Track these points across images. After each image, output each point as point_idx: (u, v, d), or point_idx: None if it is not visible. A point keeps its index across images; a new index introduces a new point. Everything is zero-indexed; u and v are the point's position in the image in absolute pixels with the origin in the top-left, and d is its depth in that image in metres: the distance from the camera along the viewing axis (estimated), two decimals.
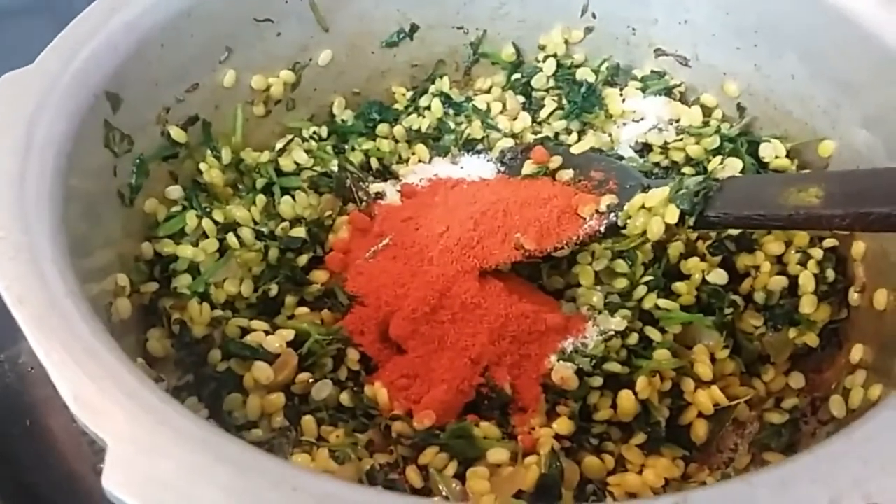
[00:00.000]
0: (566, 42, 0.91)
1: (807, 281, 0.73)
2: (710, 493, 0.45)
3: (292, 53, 0.85)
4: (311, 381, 0.68)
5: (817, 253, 0.74)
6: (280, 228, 0.78)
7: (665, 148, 0.84)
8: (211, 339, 0.69)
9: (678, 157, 0.84)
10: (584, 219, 0.71)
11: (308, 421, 0.66)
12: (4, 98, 0.61)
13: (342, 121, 0.90)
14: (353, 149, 0.88)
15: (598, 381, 0.67)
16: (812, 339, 0.73)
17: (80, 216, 0.61)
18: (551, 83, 0.90)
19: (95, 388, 0.44)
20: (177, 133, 0.76)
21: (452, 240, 0.72)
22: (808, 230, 0.72)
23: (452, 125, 0.89)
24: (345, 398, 0.68)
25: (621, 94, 0.88)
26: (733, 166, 0.78)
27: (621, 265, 0.74)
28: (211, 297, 0.72)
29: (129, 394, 0.44)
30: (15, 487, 0.57)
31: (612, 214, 0.71)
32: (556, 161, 0.79)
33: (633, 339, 0.70)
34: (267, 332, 0.69)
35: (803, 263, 0.74)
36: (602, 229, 0.70)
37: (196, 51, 0.77)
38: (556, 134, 0.87)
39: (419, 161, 0.87)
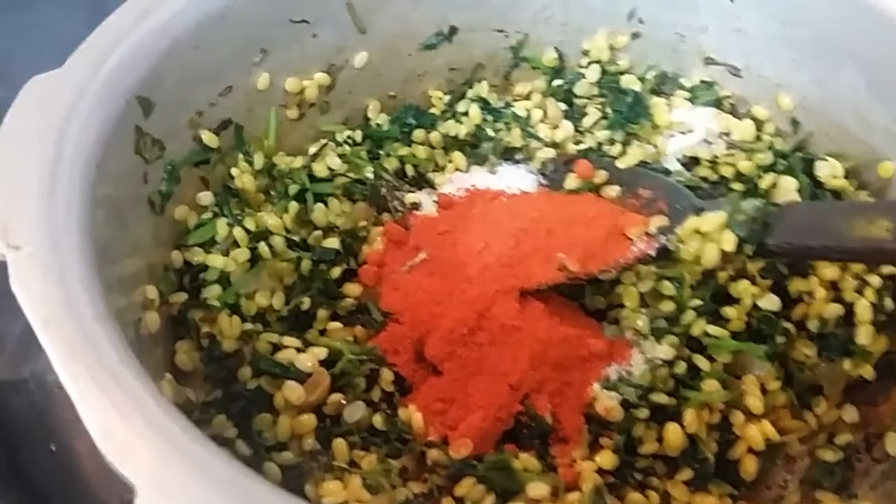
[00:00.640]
0: (611, 48, 0.88)
1: (864, 310, 0.69)
2: None
3: (328, 55, 0.82)
4: (343, 401, 0.65)
5: (875, 280, 0.70)
6: (313, 237, 0.75)
7: (714, 162, 0.81)
8: (241, 354, 0.67)
9: (728, 172, 0.80)
10: (632, 240, 0.68)
11: (340, 444, 0.63)
12: (33, 103, 0.58)
13: (377, 125, 0.87)
14: (388, 155, 0.85)
15: (644, 412, 0.64)
16: (868, 372, 0.69)
17: (109, 225, 0.58)
18: (595, 90, 0.87)
19: (122, 422, 0.41)
20: (209, 138, 0.73)
21: (492, 257, 0.69)
22: (875, 265, 0.68)
23: (491, 132, 0.86)
24: (378, 421, 0.65)
25: (668, 104, 0.84)
26: (787, 186, 0.74)
27: (668, 287, 0.70)
28: (241, 308, 0.70)
29: (157, 428, 0.42)
30: None
31: (663, 237, 0.67)
32: (601, 176, 0.75)
33: (681, 368, 0.67)
34: (299, 350, 0.66)
35: (860, 291, 0.70)
36: (652, 253, 0.67)
37: (230, 53, 0.74)
38: (599, 144, 0.84)
39: (456, 169, 0.84)
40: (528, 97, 0.90)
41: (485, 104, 0.87)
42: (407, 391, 0.68)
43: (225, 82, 0.75)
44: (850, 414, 0.70)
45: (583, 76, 0.87)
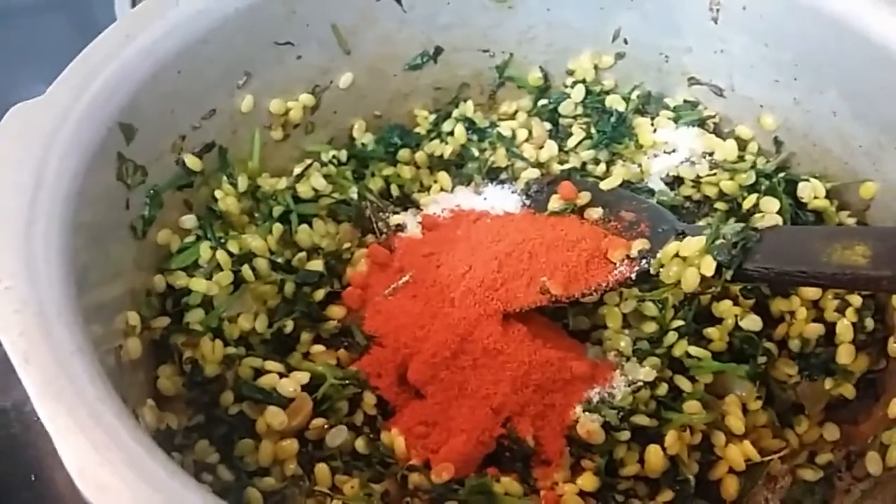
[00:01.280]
0: (596, 67, 0.88)
1: (845, 329, 0.70)
2: None
3: (312, 76, 0.83)
4: (325, 426, 0.65)
5: (856, 300, 0.71)
6: (297, 259, 0.76)
7: (697, 182, 0.81)
8: (223, 379, 0.67)
9: (711, 191, 0.80)
10: (615, 264, 0.68)
11: (322, 469, 0.64)
12: (14, 132, 0.59)
13: (362, 144, 0.87)
14: (372, 175, 0.86)
15: (625, 435, 0.64)
16: (849, 391, 0.70)
17: (89, 252, 0.58)
18: (579, 110, 0.87)
19: (101, 460, 0.42)
20: (192, 161, 0.74)
21: (475, 281, 0.69)
22: (852, 290, 0.69)
23: (476, 152, 0.86)
24: (360, 445, 0.66)
25: (652, 124, 0.85)
26: (769, 206, 0.74)
27: (650, 308, 0.71)
28: (224, 332, 0.70)
29: (135, 467, 0.42)
30: None
31: (644, 261, 0.68)
32: (584, 198, 0.76)
33: (663, 389, 0.67)
34: (281, 375, 0.66)
35: (841, 311, 0.71)
36: (633, 276, 0.67)
37: (214, 76, 0.74)
38: (584, 164, 0.84)
39: (441, 189, 0.84)
40: (513, 116, 0.90)
41: (470, 124, 0.88)
42: (390, 414, 0.68)
43: (208, 105, 0.75)
44: (832, 432, 0.70)
45: (568, 96, 0.87)
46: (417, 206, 0.83)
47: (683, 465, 0.64)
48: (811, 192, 0.76)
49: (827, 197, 0.76)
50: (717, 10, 0.80)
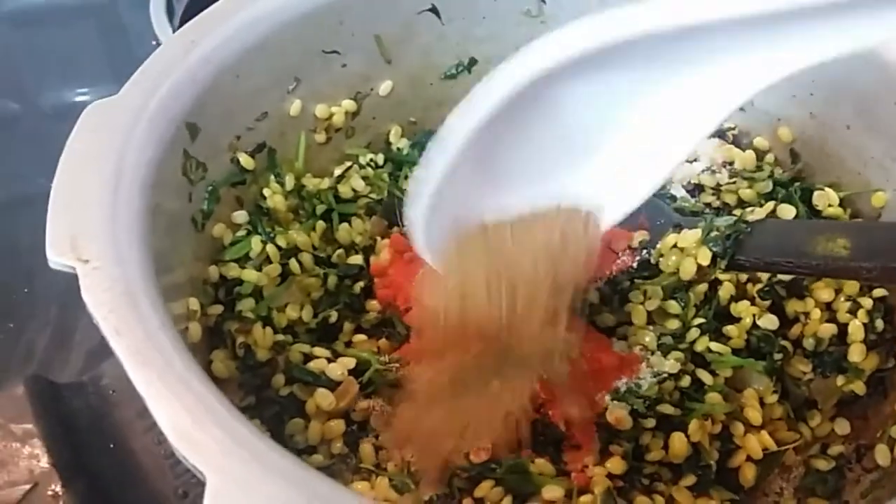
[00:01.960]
0: None
1: (856, 330, 0.74)
2: None
3: (355, 83, 0.88)
4: (370, 408, 0.70)
5: (867, 302, 0.75)
6: (336, 255, 0.80)
7: (717, 189, 0.86)
8: (274, 363, 0.71)
9: (730, 199, 0.85)
10: (617, 254, 0.73)
11: (367, 448, 0.68)
12: (93, 127, 0.63)
13: (398, 149, 0.92)
14: (405, 177, 0.90)
15: (651, 422, 0.69)
16: (860, 387, 0.74)
17: (163, 242, 0.63)
18: None
19: (191, 420, 0.46)
20: (245, 160, 0.78)
21: None
22: (837, 279, 0.74)
23: None
24: None
25: None
26: (786, 214, 0.79)
27: (674, 306, 0.75)
28: (273, 321, 0.74)
29: (222, 426, 0.46)
30: None
31: (645, 251, 0.73)
32: None
33: (686, 381, 0.71)
34: (329, 360, 0.71)
35: (853, 312, 0.75)
36: (634, 265, 0.73)
37: (267, 81, 0.79)
38: None
39: None
40: None
41: None
42: None
43: (261, 108, 0.80)
44: (842, 427, 0.74)
45: None
46: None
47: (705, 451, 0.69)
48: (825, 200, 0.81)
49: (840, 205, 0.81)
50: None
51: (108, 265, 0.54)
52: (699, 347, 0.74)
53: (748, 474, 0.69)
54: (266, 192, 0.81)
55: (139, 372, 0.48)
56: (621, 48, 0.50)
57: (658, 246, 0.74)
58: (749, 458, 0.70)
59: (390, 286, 0.79)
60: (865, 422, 0.75)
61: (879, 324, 0.75)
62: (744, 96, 0.53)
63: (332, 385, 0.69)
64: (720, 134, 0.89)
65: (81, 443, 0.61)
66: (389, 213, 0.85)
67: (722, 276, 0.75)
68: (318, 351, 0.72)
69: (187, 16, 1.06)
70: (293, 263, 0.77)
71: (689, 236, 0.72)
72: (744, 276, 0.77)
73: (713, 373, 0.73)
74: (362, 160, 0.90)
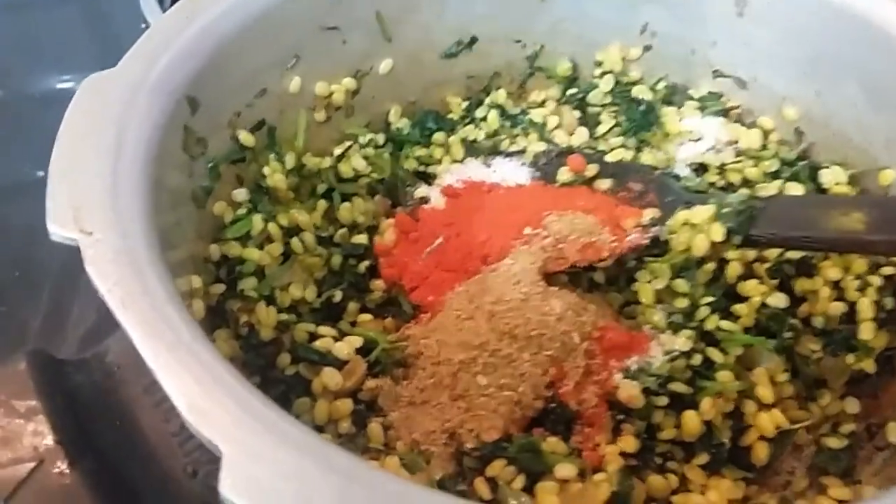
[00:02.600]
0: (623, 59, 0.92)
1: (866, 307, 0.73)
2: None
3: (355, 61, 0.86)
4: (377, 387, 0.68)
5: (876, 280, 0.74)
6: (339, 234, 0.79)
7: (722, 169, 0.85)
8: (279, 343, 0.70)
9: (735, 178, 0.84)
10: (627, 231, 0.72)
11: (375, 427, 0.66)
12: (91, 99, 0.61)
13: (398, 129, 0.91)
14: (406, 157, 0.89)
15: (663, 400, 0.68)
16: (869, 365, 0.73)
17: (165, 217, 0.61)
18: (608, 99, 0.91)
19: (202, 392, 0.44)
20: (245, 137, 0.77)
21: (494, 249, 0.73)
22: (852, 254, 0.73)
23: (507, 140, 0.90)
24: None
25: (678, 114, 0.89)
26: (792, 192, 0.78)
27: (682, 285, 0.74)
28: (276, 300, 0.73)
29: (234, 397, 0.45)
30: (112, 485, 0.58)
31: (655, 228, 0.72)
32: (592, 169, 0.80)
33: (697, 359, 0.70)
34: (335, 339, 0.69)
35: (862, 290, 0.74)
36: (646, 242, 0.72)
37: (267, 57, 0.78)
38: (612, 150, 0.88)
39: (452, 161, 0.87)
40: (542, 105, 0.94)
41: (502, 111, 0.91)
42: None
43: (260, 85, 0.78)
44: (853, 405, 0.74)
45: (596, 86, 0.91)
46: (433, 177, 0.86)
47: (718, 430, 0.68)
48: (832, 178, 0.80)
49: (848, 183, 0.80)
50: (743, 5, 0.84)
51: (111, 237, 0.52)
52: (709, 326, 0.73)
53: (761, 453, 0.69)
54: (266, 170, 0.79)
55: (147, 344, 0.46)
56: None
57: (669, 223, 0.73)
58: (761, 437, 0.69)
59: (395, 265, 0.77)
60: (875, 400, 0.74)
61: (889, 301, 0.74)
62: None
63: (339, 364, 0.68)
64: (724, 113, 0.88)
65: (87, 420, 0.59)
66: (393, 192, 0.83)
67: (729, 255, 0.74)
68: (323, 330, 0.70)
69: None
70: (295, 242, 0.75)
71: (702, 212, 0.71)
72: (751, 255, 0.76)
73: (723, 351, 0.72)
74: (362, 140, 0.88)
